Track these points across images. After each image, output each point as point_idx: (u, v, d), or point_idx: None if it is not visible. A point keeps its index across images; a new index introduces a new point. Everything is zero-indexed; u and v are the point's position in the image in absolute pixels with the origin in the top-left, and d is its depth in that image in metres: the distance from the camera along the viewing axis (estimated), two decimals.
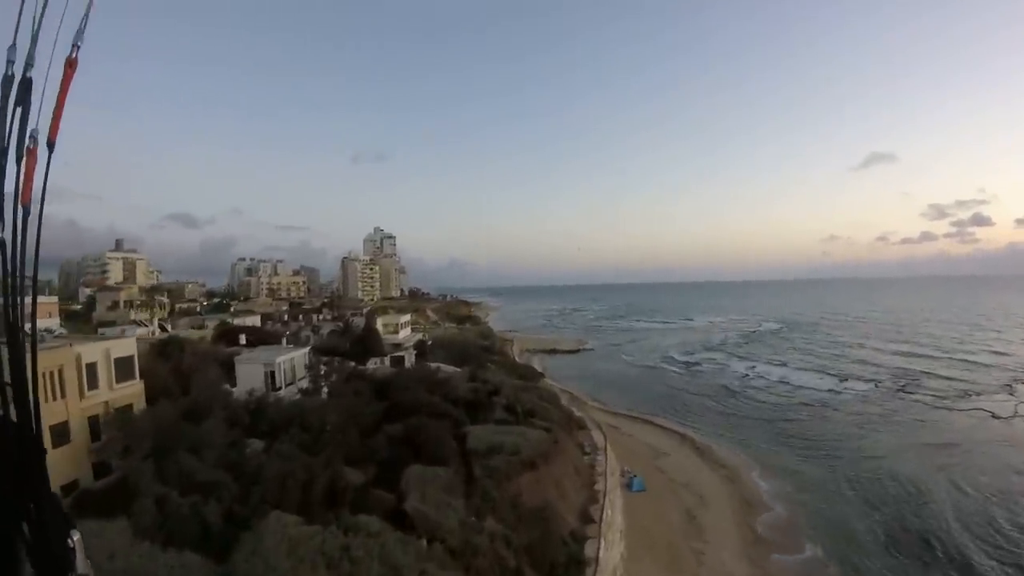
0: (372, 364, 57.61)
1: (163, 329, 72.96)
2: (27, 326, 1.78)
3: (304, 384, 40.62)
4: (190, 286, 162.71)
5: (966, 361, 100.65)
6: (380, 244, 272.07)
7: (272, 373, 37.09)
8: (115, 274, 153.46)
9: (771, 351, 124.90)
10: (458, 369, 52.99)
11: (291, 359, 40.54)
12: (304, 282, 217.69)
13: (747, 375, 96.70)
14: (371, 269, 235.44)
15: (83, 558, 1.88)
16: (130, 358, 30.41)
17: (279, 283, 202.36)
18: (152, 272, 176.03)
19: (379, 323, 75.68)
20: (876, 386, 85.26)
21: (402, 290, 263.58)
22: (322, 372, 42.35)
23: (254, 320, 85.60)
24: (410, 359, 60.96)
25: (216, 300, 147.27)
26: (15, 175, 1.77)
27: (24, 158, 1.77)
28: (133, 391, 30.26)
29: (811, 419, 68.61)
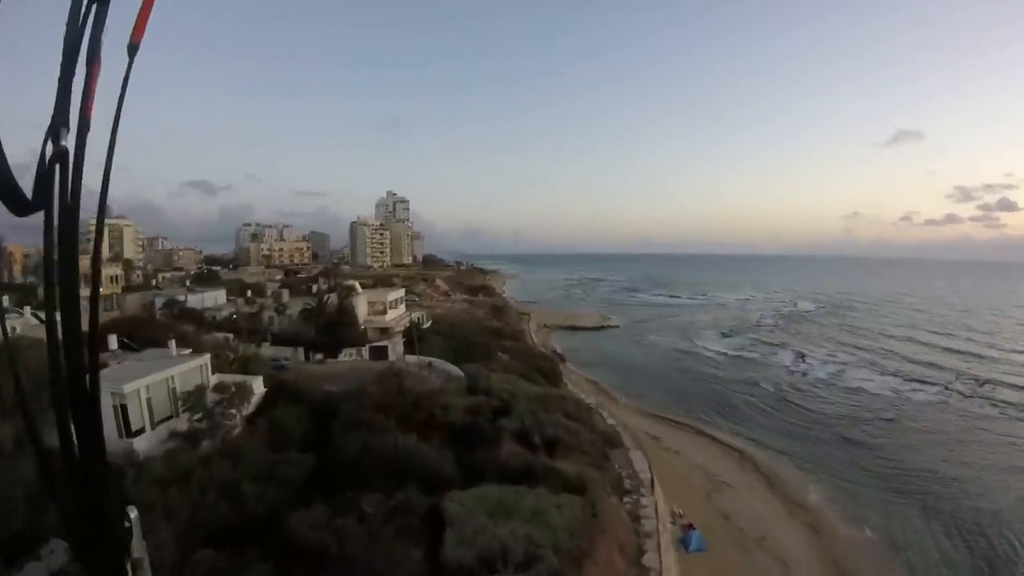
0: (347, 356, 45.90)
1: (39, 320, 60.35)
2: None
3: (187, 422, 25.35)
4: (181, 253, 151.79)
5: None
6: (392, 208, 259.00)
7: (124, 408, 22.38)
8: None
9: (814, 338, 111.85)
10: (455, 372, 41.02)
11: (166, 380, 25.50)
12: (308, 248, 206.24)
13: (796, 369, 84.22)
14: (381, 235, 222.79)
15: (139, 539, 1.63)
16: None
17: (281, 249, 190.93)
18: (141, 239, 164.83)
19: (361, 301, 63.71)
20: (946, 389, 72.91)
21: (414, 257, 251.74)
22: (216, 402, 25.82)
23: (216, 295, 74.04)
24: (395, 351, 48.77)
25: (202, 270, 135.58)
26: (83, 81, 1.46)
27: (92, 63, 1.47)
28: None
29: (886, 434, 56.50)
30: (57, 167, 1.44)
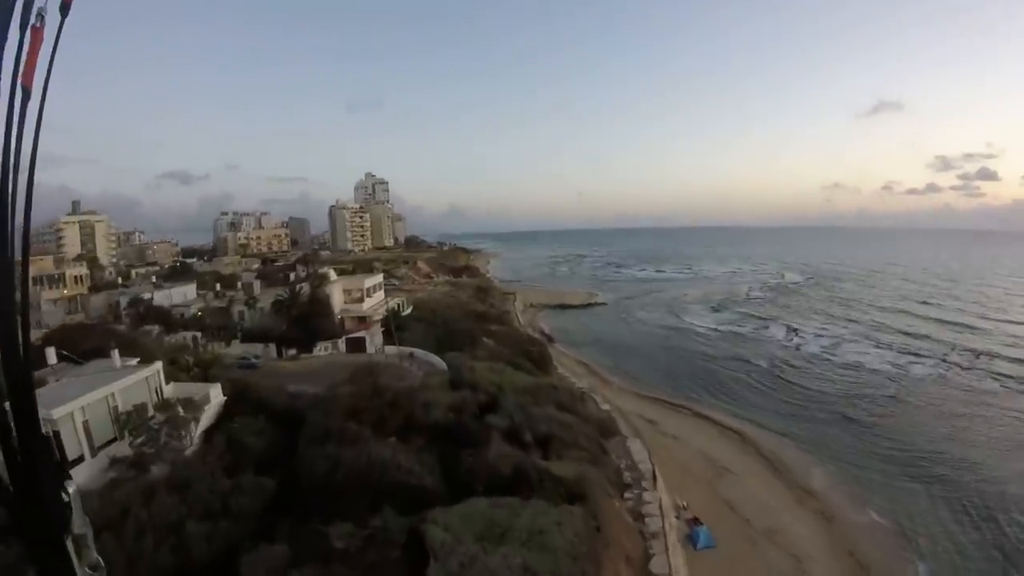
0: (322, 350, 43.05)
1: None
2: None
3: (131, 445, 21.61)
4: (156, 247, 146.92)
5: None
6: (372, 190, 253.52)
7: (56, 435, 18.49)
8: (71, 240, 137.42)
9: (804, 311, 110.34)
10: (438, 363, 38.36)
11: (106, 398, 21.61)
12: (287, 235, 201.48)
13: (788, 343, 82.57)
14: (361, 217, 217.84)
15: (81, 514, 1.60)
16: None
17: (259, 237, 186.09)
18: (115, 234, 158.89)
19: (336, 289, 59.87)
20: (944, 362, 71.49)
21: (396, 238, 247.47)
22: (162, 422, 22.08)
23: (186, 291, 70.39)
24: (374, 343, 45.82)
25: (175, 263, 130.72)
26: (16, 48, 1.47)
27: (28, 30, 1.47)
28: None
29: (888, 412, 54.85)
30: None
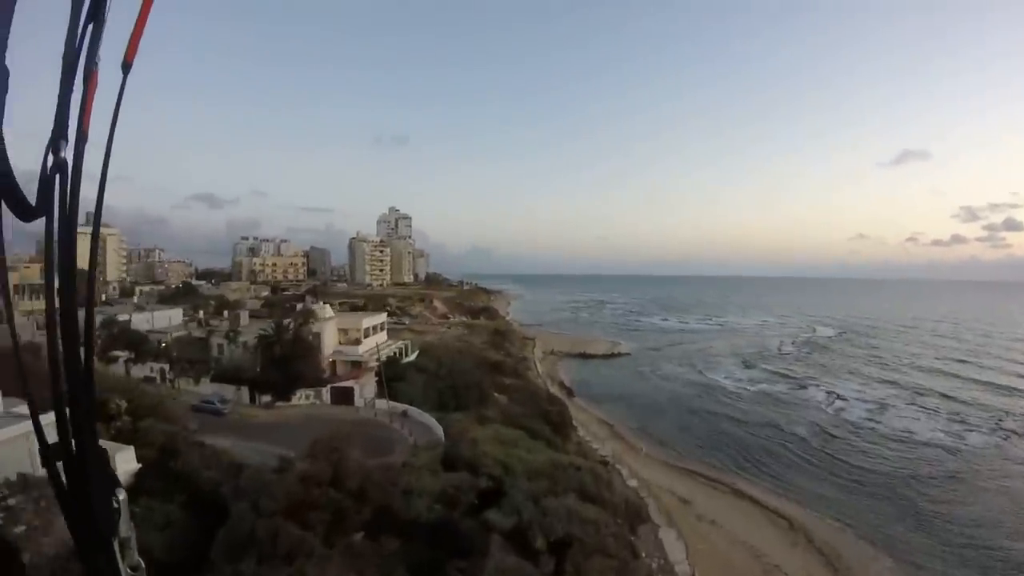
0: (302, 398, 36.86)
1: None
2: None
3: None
4: (168, 265, 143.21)
5: None
6: (395, 225, 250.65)
7: None
8: (80, 251, 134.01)
9: (840, 370, 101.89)
10: (434, 427, 31.93)
11: None
12: (303, 264, 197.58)
13: (829, 408, 74.78)
14: (381, 251, 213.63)
15: (127, 519, 1.74)
16: None
17: (275, 264, 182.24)
18: (125, 249, 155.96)
19: (329, 328, 53.05)
20: (1000, 430, 65.29)
21: (416, 275, 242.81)
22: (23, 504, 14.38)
23: (171, 315, 64.72)
24: (363, 394, 39.39)
25: (178, 285, 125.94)
26: (81, 96, 1.57)
27: (89, 79, 1.57)
28: None
29: (953, 493, 47.81)
30: (57, 177, 1.54)
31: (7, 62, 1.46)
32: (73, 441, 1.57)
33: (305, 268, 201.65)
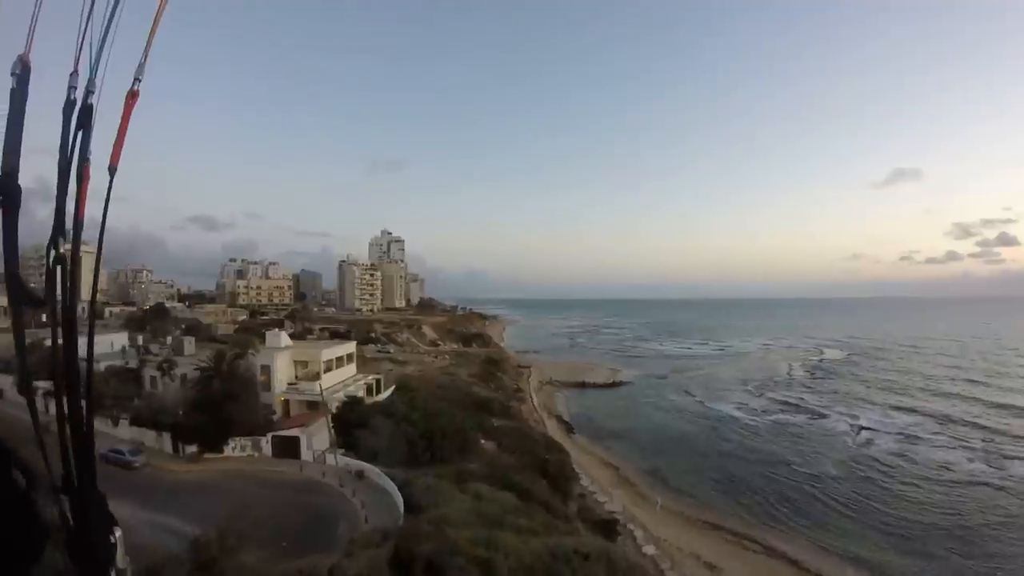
0: (237, 449, 29.85)
1: None
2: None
3: None
4: (145, 286, 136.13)
5: None
6: (387, 248, 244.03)
7: None
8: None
9: (855, 396, 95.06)
10: (392, 496, 24.83)
11: None
12: (289, 287, 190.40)
13: (856, 440, 68.31)
14: (371, 275, 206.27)
15: (123, 552, 1.91)
16: None
17: (259, 287, 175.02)
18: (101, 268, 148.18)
19: (282, 360, 44.14)
20: None
21: (409, 300, 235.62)
22: None
23: (113, 339, 57.12)
24: (312, 445, 32.04)
25: (152, 306, 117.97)
26: (75, 194, 1.82)
27: (81, 180, 1.84)
28: None
29: (1017, 541, 41.43)
30: (58, 269, 1.78)
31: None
32: (76, 483, 1.75)
33: (292, 292, 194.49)
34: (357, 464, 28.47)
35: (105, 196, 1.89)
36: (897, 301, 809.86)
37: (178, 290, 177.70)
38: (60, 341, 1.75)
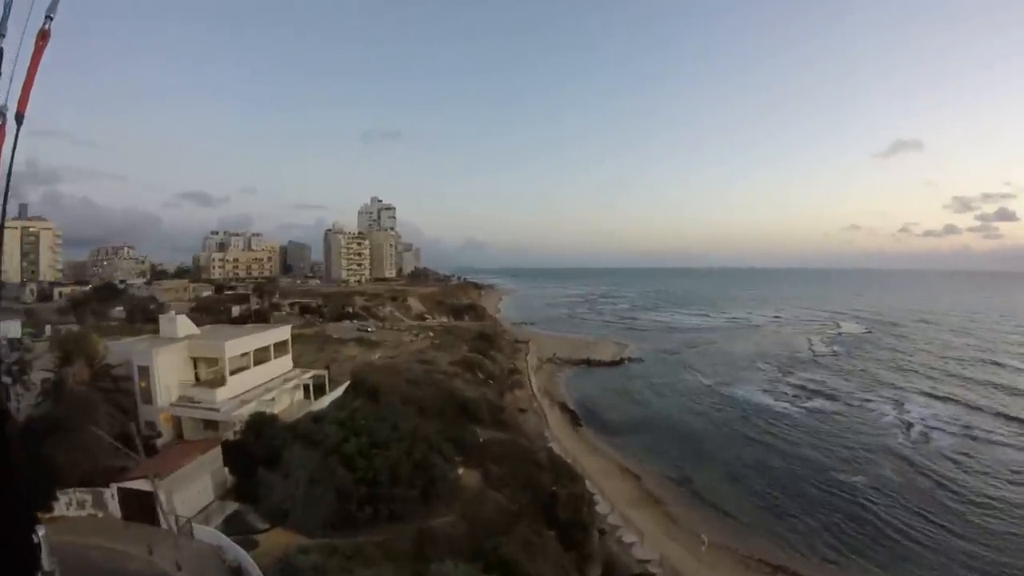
0: (73, 506, 19.38)
1: None
2: None
3: None
4: (114, 261, 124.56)
5: None
6: (377, 216, 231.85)
7: None
8: (11, 248, 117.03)
9: (890, 379, 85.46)
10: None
11: None
12: (269, 259, 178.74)
13: (909, 438, 58.11)
14: (358, 244, 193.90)
15: (48, 554, 1.84)
16: None
17: (236, 260, 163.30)
18: (60, 244, 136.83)
19: (169, 361, 30.61)
20: None
21: (400, 269, 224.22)
22: None
23: (8, 327, 44.86)
24: (171, 505, 20.99)
25: (104, 284, 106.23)
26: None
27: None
28: None
29: None
30: None
31: None
32: None
33: (278, 264, 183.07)
34: (235, 553, 17.20)
35: (12, 148, 1.64)
36: (895, 273, 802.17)
37: (152, 266, 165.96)
38: None
